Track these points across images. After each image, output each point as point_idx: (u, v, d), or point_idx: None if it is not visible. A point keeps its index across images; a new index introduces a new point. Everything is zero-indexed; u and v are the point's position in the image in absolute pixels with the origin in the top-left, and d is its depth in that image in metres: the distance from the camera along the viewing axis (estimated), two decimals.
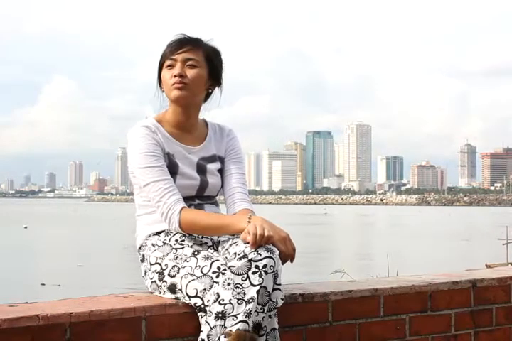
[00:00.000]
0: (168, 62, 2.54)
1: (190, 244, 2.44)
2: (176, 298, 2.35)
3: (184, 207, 2.44)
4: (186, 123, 2.61)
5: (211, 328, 2.18)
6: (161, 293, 2.41)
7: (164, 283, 2.38)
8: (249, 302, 2.15)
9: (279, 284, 2.24)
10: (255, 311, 2.16)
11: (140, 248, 2.54)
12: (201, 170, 2.59)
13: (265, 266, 2.18)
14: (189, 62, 2.53)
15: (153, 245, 2.48)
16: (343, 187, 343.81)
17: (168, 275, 2.37)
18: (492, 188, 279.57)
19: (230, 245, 2.37)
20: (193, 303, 2.28)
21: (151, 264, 2.45)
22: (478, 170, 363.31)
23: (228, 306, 2.16)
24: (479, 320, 2.97)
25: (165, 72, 2.55)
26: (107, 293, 2.58)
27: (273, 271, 2.20)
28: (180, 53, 2.53)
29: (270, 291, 2.20)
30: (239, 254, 2.22)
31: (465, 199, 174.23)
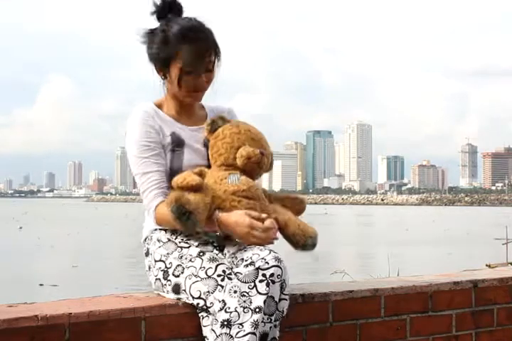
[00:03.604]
0: None
1: (196, 243, 2.42)
2: (178, 299, 2.33)
3: (162, 202, 2.41)
4: (191, 107, 2.61)
5: (217, 336, 2.17)
6: (164, 292, 2.40)
7: (169, 282, 2.36)
8: (256, 312, 2.14)
9: (286, 294, 2.22)
10: (262, 321, 2.15)
11: (145, 240, 2.54)
12: (207, 145, 2.55)
13: (272, 275, 2.17)
14: None
15: (158, 241, 2.47)
16: (343, 187, 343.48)
17: (173, 274, 2.35)
18: (493, 188, 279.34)
19: (238, 250, 2.34)
20: (196, 303, 2.27)
21: (155, 261, 2.44)
22: (480, 170, 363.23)
23: (234, 314, 2.15)
24: (480, 320, 2.96)
25: None
26: (107, 293, 2.57)
27: (280, 280, 2.19)
28: None
29: (277, 301, 2.19)
30: (246, 261, 2.22)
31: (466, 199, 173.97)
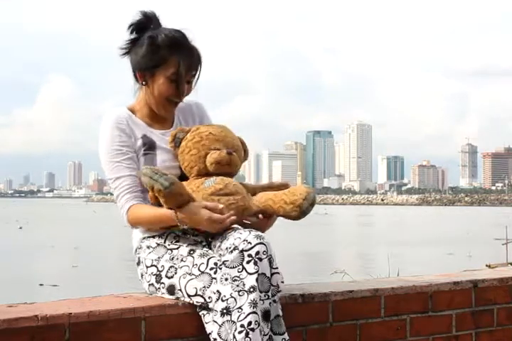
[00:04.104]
0: None
1: (185, 244, 2.43)
2: (177, 298, 2.33)
3: (132, 205, 2.45)
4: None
5: (220, 326, 2.17)
6: (158, 295, 2.40)
7: (162, 285, 2.36)
8: (251, 292, 2.14)
9: (276, 268, 2.23)
10: (260, 299, 2.16)
11: (136, 250, 2.54)
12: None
13: (258, 253, 2.18)
14: None
15: (148, 247, 2.48)
16: (343, 187, 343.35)
17: (166, 276, 2.36)
18: (493, 188, 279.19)
19: (221, 241, 2.35)
20: (195, 301, 2.27)
21: (147, 267, 2.44)
22: (480, 170, 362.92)
23: (231, 300, 2.15)
24: (480, 320, 2.96)
25: None
26: (107, 293, 2.56)
27: (267, 256, 2.20)
28: None
29: (269, 276, 2.20)
30: (230, 248, 2.22)
31: (466, 199, 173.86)
